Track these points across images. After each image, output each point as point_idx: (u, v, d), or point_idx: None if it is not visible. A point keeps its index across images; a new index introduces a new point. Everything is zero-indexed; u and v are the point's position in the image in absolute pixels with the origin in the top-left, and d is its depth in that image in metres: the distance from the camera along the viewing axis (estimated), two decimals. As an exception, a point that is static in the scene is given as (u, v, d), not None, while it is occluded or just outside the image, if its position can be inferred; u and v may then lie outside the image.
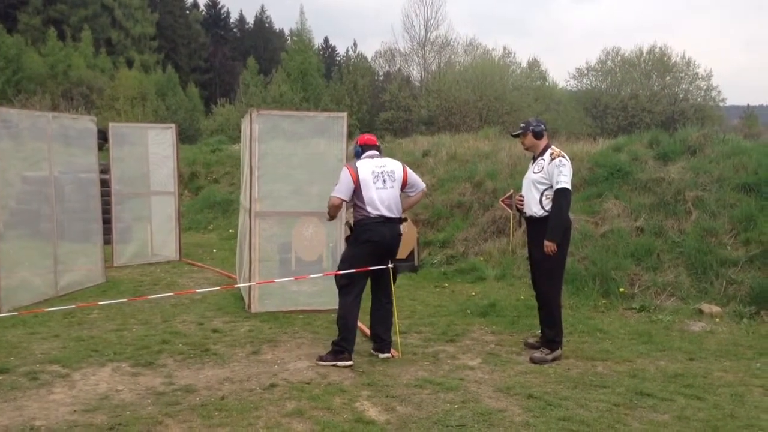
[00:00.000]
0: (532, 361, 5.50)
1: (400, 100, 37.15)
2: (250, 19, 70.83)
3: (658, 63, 38.99)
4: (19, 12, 48.42)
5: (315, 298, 7.42)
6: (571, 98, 40.49)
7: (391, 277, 5.59)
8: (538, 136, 5.71)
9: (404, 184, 5.66)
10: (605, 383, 4.98)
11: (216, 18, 67.33)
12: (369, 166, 5.53)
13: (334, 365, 5.30)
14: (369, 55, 56.16)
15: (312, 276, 6.84)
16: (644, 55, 39.49)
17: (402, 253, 7.56)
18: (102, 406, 4.38)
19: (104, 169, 10.38)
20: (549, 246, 5.45)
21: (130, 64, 48.17)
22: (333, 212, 5.63)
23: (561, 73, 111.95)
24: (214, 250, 12.04)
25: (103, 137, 11.00)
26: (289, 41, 52.50)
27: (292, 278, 7.05)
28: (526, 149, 5.92)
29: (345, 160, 7.15)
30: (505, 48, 53.12)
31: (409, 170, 5.73)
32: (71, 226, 8.42)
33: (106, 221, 9.90)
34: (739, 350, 5.96)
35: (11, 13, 48.12)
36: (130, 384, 4.83)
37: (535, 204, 5.62)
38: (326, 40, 69.22)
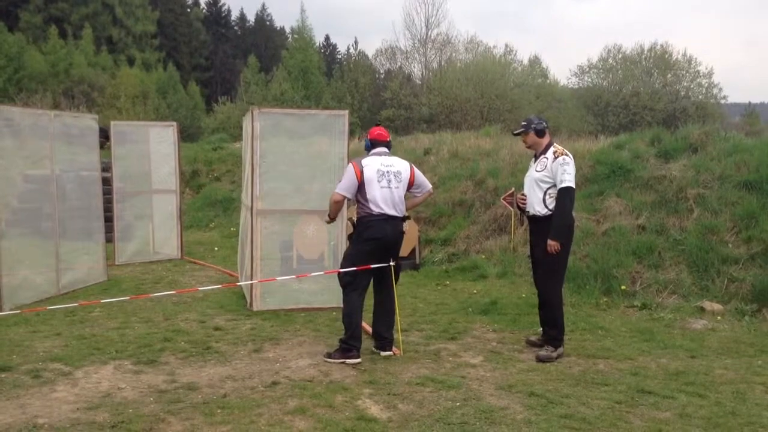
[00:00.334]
0: (539, 359, 5.48)
1: (401, 98, 37.13)
2: (251, 17, 70.91)
3: (660, 60, 38.99)
4: (21, 10, 48.41)
5: (316, 296, 7.43)
6: (572, 96, 40.47)
7: (393, 275, 5.59)
8: (540, 134, 5.67)
9: (411, 185, 5.66)
10: (607, 381, 4.98)
11: (217, 16, 67.29)
12: (375, 164, 5.51)
13: (342, 363, 5.31)
14: (370, 52, 56.34)
15: (313, 274, 6.85)
16: (645, 52, 39.51)
17: (404, 251, 7.55)
18: (104, 403, 4.39)
19: (106, 168, 10.38)
20: (553, 245, 5.42)
21: (131, 62, 48.19)
22: (334, 209, 5.61)
23: (562, 70, 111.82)
24: (216, 248, 12.05)
25: (104, 135, 11.00)
26: (289, 39, 52.44)
27: (293, 276, 7.05)
28: (528, 147, 5.88)
29: (347, 158, 7.15)
30: (506, 45, 53.02)
31: (416, 171, 5.71)
32: (73, 224, 8.42)
33: (108, 219, 9.91)
34: (740, 348, 5.97)
35: (12, 11, 48.14)
36: (132, 382, 4.84)
37: (538, 203, 5.58)
38: (327, 37, 69.27)
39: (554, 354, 5.52)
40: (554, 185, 5.50)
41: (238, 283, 8.07)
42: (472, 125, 26.75)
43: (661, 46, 39.53)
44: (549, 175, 5.51)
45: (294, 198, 7.39)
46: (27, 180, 7.99)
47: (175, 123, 11.50)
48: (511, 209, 9.29)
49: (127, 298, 7.17)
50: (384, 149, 5.67)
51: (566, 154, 5.52)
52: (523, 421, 4.18)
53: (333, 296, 7.13)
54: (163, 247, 11.03)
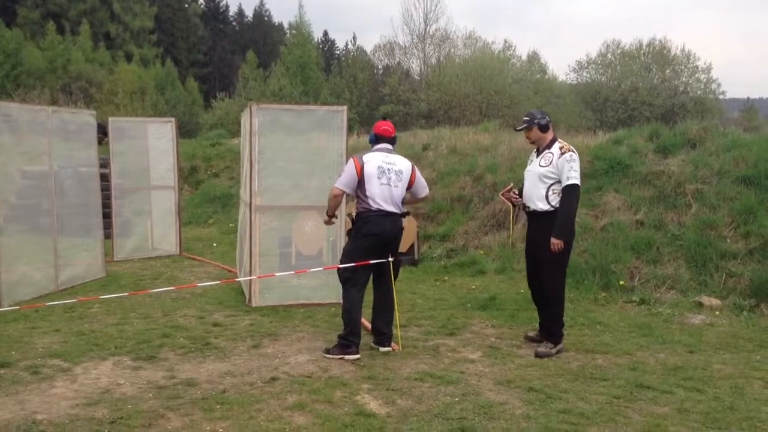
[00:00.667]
0: (537, 355, 5.47)
1: (400, 93, 37.09)
2: (249, 13, 70.69)
3: (658, 56, 38.96)
4: (18, 6, 48.26)
5: (315, 292, 7.43)
6: (571, 91, 40.43)
7: (392, 271, 5.59)
8: (544, 129, 5.59)
9: (410, 185, 5.66)
10: (605, 376, 4.99)
11: (215, 11, 67.10)
12: (377, 160, 5.49)
13: (341, 359, 5.31)
14: (368, 48, 56.18)
15: (312, 270, 6.85)
16: (644, 48, 39.47)
17: (402, 246, 7.56)
18: (103, 399, 4.39)
19: (104, 164, 10.37)
20: (556, 244, 5.35)
21: (129, 58, 48.02)
22: (333, 203, 5.60)
23: (561, 66, 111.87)
24: (215, 244, 12.05)
25: (102, 131, 10.98)
26: (288, 35, 52.35)
27: (292, 272, 7.05)
28: (532, 143, 5.75)
29: (345, 154, 7.15)
30: (505, 41, 52.91)
31: (417, 173, 5.71)
32: (71, 220, 8.42)
33: (106, 215, 9.91)
34: (738, 343, 5.98)
35: (10, 7, 47.97)
36: (131, 378, 4.84)
37: (540, 199, 5.51)
38: (325, 33, 69.03)
39: (553, 350, 5.51)
40: (558, 181, 5.42)
41: (237, 279, 8.07)
42: (471, 121, 26.71)
43: (660, 41, 39.53)
44: (554, 171, 5.42)
45: (293, 194, 7.38)
46: (25, 176, 7.99)
47: (173, 119, 11.48)
48: (510, 204, 9.28)
49: (126, 294, 7.17)
50: (388, 146, 5.66)
51: (572, 151, 5.46)
52: (521, 416, 4.18)
53: (332, 292, 7.14)
54: (162, 244, 11.02)
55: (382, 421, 4.06)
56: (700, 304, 7.06)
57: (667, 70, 38.69)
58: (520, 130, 5.77)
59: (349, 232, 5.73)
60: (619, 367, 5.22)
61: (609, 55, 40.53)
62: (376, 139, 5.67)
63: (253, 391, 4.59)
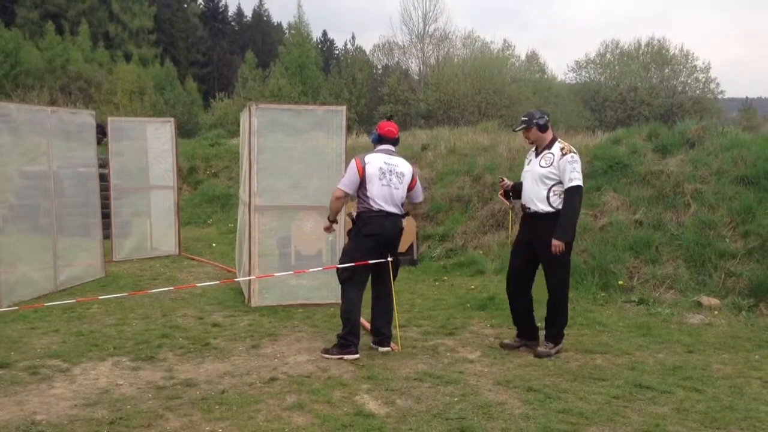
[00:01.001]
0: (537, 355, 5.45)
1: (399, 93, 37.08)
2: (248, 13, 70.58)
3: (657, 55, 38.99)
4: (17, 6, 48.21)
5: (314, 292, 7.42)
6: (569, 91, 40.44)
7: (392, 271, 5.60)
8: (542, 129, 5.49)
9: (409, 190, 5.66)
10: (604, 376, 4.99)
11: (214, 11, 67.02)
12: (378, 161, 5.50)
13: (340, 358, 5.31)
14: (367, 48, 56.17)
15: (312, 270, 6.85)
16: (643, 47, 39.50)
17: (401, 246, 7.55)
18: (102, 400, 4.39)
19: (103, 164, 10.37)
20: (558, 246, 5.27)
21: (128, 58, 47.97)
22: (335, 205, 5.59)
23: (560, 66, 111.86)
24: (214, 245, 12.05)
25: (101, 131, 10.97)
26: (287, 35, 52.28)
27: (291, 272, 7.06)
28: (531, 143, 5.66)
29: (344, 154, 7.16)
30: (504, 41, 52.99)
31: (417, 180, 5.73)
32: (70, 220, 8.42)
33: (105, 216, 9.90)
34: (737, 342, 5.98)
35: (9, 7, 47.92)
36: (130, 378, 4.84)
37: (540, 199, 5.41)
38: (324, 33, 68.89)
39: (553, 350, 5.49)
40: (559, 182, 5.34)
41: (236, 279, 8.07)
42: (470, 121, 26.71)
43: (659, 41, 39.58)
44: (555, 171, 5.33)
45: (292, 194, 7.39)
46: (24, 176, 7.97)
47: (172, 119, 11.49)
48: (509, 204, 9.27)
49: (125, 294, 7.17)
50: (390, 147, 5.66)
51: (574, 152, 5.39)
52: (520, 416, 4.19)
53: (331, 292, 7.14)
54: (161, 244, 11.03)
55: (381, 422, 4.07)
56: (699, 304, 7.06)
57: (666, 70, 38.73)
58: (518, 130, 5.68)
59: (349, 232, 5.73)
60: (618, 367, 5.22)
61: (608, 55, 40.60)
62: (380, 140, 5.67)
63: (252, 391, 4.59)
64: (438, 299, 7.67)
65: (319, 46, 59.87)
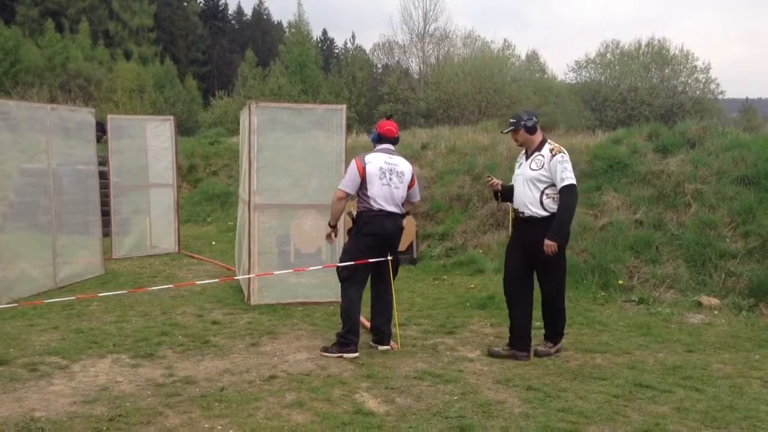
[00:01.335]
0: (537, 354, 5.43)
1: (399, 92, 37.07)
2: (248, 11, 70.63)
3: (657, 56, 38.96)
4: (17, 3, 48.17)
5: (314, 290, 7.42)
6: (570, 91, 40.43)
7: (391, 270, 5.59)
8: (531, 130, 5.32)
9: (408, 188, 5.65)
10: (604, 375, 4.99)
11: (214, 9, 67.02)
12: (379, 161, 5.48)
13: (340, 357, 5.30)
14: (367, 47, 56.12)
15: (311, 268, 6.84)
16: (643, 47, 39.47)
17: (401, 245, 7.55)
18: (102, 397, 4.38)
19: (103, 162, 10.36)
20: (550, 246, 5.13)
21: (128, 56, 47.98)
22: (337, 207, 5.56)
23: (560, 65, 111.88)
24: (213, 243, 12.05)
25: (101, 129, 10.97)
26: (287, 33, 52.26)
27: (291, 270, 7.05)
28: (520, 146, 5.52)
29: (344, 153, 7.15)
30: (505, 40, 53.01)
31: (416, 179, 5.72)
32: (70, 218, 8.41)
33: (105, 213, 9.90)
34: (737, 342, 5.98)
35: (9, 5, 47.89)
36: (129, 375, 4.83)
37: (534, 203, 5.26)
38: (324, 32, 68.91)
39: (552, 350, 5.48)
40: (552, 185, 5.20)
41: (236, 277, 8.06)
42: (470, 120, 26.69)
43: (659, 41, 39.55)
44: (546, 174, 5.20)
45: (291, 192, 7.39)
46: (24, 174, 7.97)
47: (172, 117, 11.50)
48: (510, 204, 9.23)
49: (125, 291, 7.17)
50: (390, 146, 5.65)
51: (563, 152, 5.25)
52: (520, 414, 4.18)
53: (330, 290, 7.13)
54: (161, 242, 11.03)
55: (380, 420, 4.06)
56: (699, 304, 7.06)
57: (666, 70, 38.71)
58: (506, 132, 5.54)
59: (349, 231, 5.72)
60: (618, 366, 5.21)
61: (608, 55, 40.55)
62: (379, 139, 5.66)
63: (251, 389, 4.58)
64: (438, 298, 7.67)
65: (319, 44, 59.88)
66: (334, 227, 5.76)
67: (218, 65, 60.31)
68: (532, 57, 43.57)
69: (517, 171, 5.52)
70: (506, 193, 5.62)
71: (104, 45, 48.10)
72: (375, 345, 5.65)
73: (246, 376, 4.84)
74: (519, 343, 5.43)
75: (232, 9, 70.49)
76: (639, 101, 36.03)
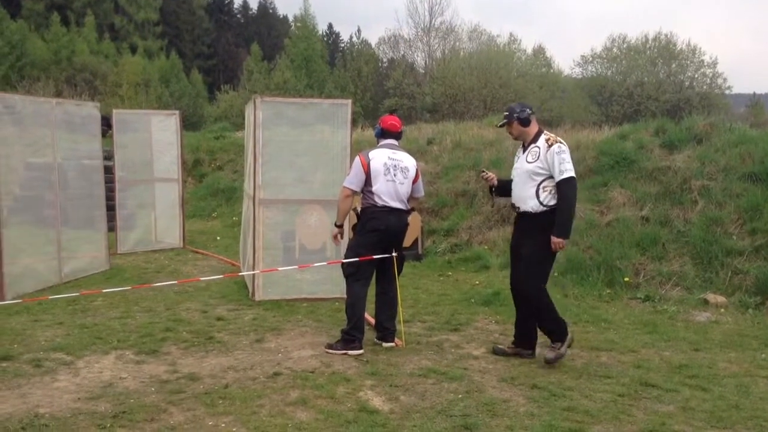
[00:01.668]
0: (548, 362, 5.06)
1: (404, 87, 37.04)
2: (254, 5, 70.48)
3: (664, 50, 38.84)
4: (23, -3, 48.27)
5: (319, 287, 7.41)
6: (576, 86, 40.33)
7: (396, 266, 5.57)
8: (524, 123, 5.15)
9: (411, 184, 5.62)
10: (609, 374, 4.96)
11: (220, 4, 66.93)
12: (382, 157, 5.45)
13: (345, 354, 5.29)
14: (373, 41, 55.93)
15: (316, 264, 6.83)
16: (650, 42, 39.35)
17: (406, 241, 7.54)
18: (106, 393, 4.38)
19: (108, 156, 10.36)
20: (558, 243, 4.93)
21: (133, 50, 48.06)
22: (344, 205, 5.52)
23: (566, 60, 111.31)
24: (218, 238, 12.04)
25: (106, 124, 10.99)
26: (292, 27, 52.25)
27: (296, 266, 7.04)
28: (515, 139, 5.36)
29: (350, 148, 7.12)
30: (511, 35, 52.84)
31: (420, 175, 5.68)
32: (75, 212, 8.41)
33: (110, 208, 9.88)
34: (744, 341, 5.95)
35: (14, -1, 47.98)
36: (133, 372, 4.83)
37: (531, 197, 5.06)
38: (330, 26, 68.83)
39: (562, 349, 5.11)
40: (549, 177, 4.99)
41: (241, 273, 8.05)
42: (476, 115, 26.66)
43: (666, 35, 39.40)
44: (543, 166, 5.00)
45: (296, 187, 7.36)
46: (29, 168, 7.96)
47: (177, 111, 11.49)
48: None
49: (129, 287, 7.16)
50: (393, 141, 5.61)
51: (560, 142, 5.03)
52: (525, 413, 4.16)
53: (335, 286, 7.12)
54: (166, 237, 11.02)
55: (385, 418, 4.04)
56: (706, 302, 7.02)
57: (673, 65, 38.57)
58: (500, 126, 5.42)
59: (354, 227, 5.70)
60: (623, 365, 5.19)
61: (614, 50, 40.44)
62: (382, 134, 5.62)
63: (255, 386, 4.57)
64: (442, 294, 7.65)
65: (325, 39, 59.82)
66: (340, 227, 5.72)
67: (224, 59, 60.31)
68: (539, 51, 43.45)
69: (515, 165, 5.38)
70: (503, 189, 5.45)
71: (110, 39, 48.16)
72: (379, 342, 5.63)
73: (250, 373, 4.84)
74: (524, 341, 5.38)
75: (237, 3, 70.38)
76: (645, 96, 35.91)
